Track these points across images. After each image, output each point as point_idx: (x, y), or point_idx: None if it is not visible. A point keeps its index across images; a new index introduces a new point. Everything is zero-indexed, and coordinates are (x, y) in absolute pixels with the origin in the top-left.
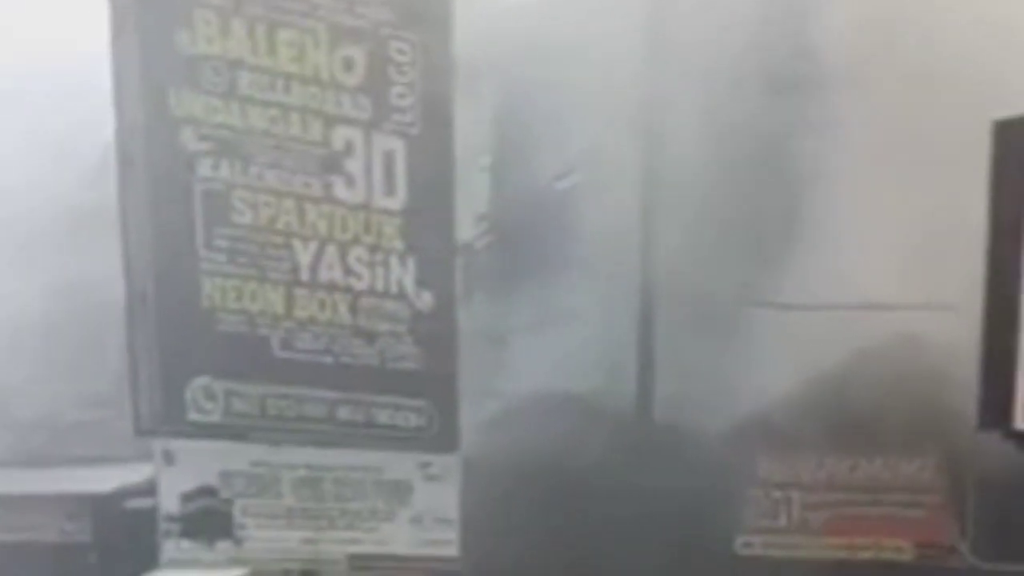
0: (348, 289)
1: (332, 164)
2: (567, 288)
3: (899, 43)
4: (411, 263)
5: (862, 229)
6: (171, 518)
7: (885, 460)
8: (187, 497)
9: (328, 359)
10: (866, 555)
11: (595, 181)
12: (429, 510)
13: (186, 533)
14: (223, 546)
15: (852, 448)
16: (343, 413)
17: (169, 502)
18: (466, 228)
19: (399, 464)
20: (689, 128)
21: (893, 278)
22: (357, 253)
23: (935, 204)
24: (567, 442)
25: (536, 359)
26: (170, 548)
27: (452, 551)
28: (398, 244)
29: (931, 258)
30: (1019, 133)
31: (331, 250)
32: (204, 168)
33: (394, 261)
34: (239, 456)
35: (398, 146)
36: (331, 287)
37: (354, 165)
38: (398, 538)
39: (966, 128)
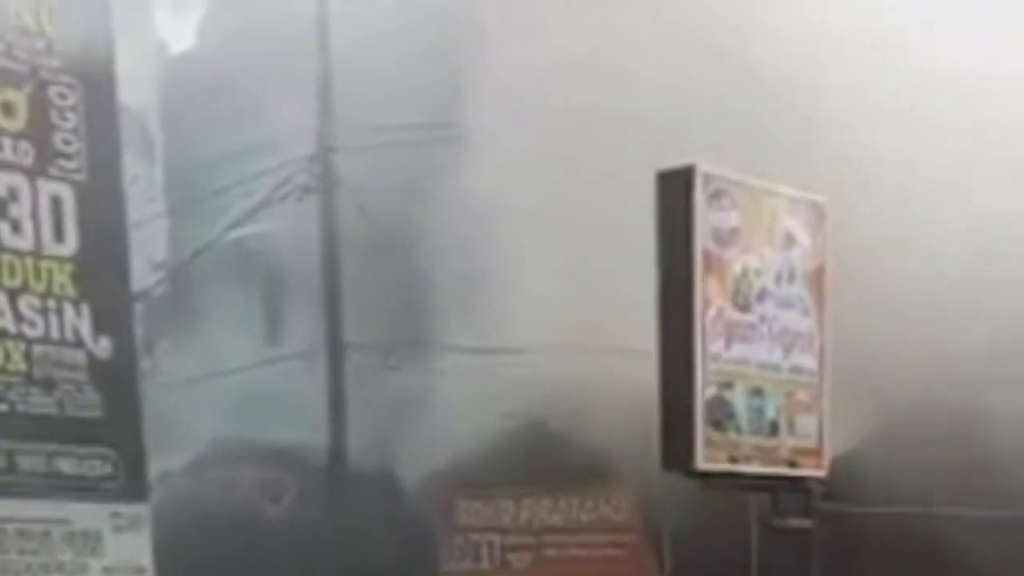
0: (21, 337)
1: None
2: (252, 336)
3: (567, 90)
4: (86, 310)
5: (547, 272)
6: None
7: (582, 501)
8: None
9: (3, 407)
10: None
11: (276, 232)
12: (121, 561)
13: None
14: None
15: (550, 490)
16: (24, 463)
17: None
18: (143, 275)
19: (88, 514)
20: (366, 177)
21: (583, 322)
22: (28, 300)
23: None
24: (260, 491)
25: (225, 408)
26: None
27: None
28: (71, 291)
29: (621, 303)
30: (680, 182)
31: (0, 298)
32: None
33: (68, 308)
34: None
35: (65, 192)
36: (2, 335)
37: (19, 211)
38: None
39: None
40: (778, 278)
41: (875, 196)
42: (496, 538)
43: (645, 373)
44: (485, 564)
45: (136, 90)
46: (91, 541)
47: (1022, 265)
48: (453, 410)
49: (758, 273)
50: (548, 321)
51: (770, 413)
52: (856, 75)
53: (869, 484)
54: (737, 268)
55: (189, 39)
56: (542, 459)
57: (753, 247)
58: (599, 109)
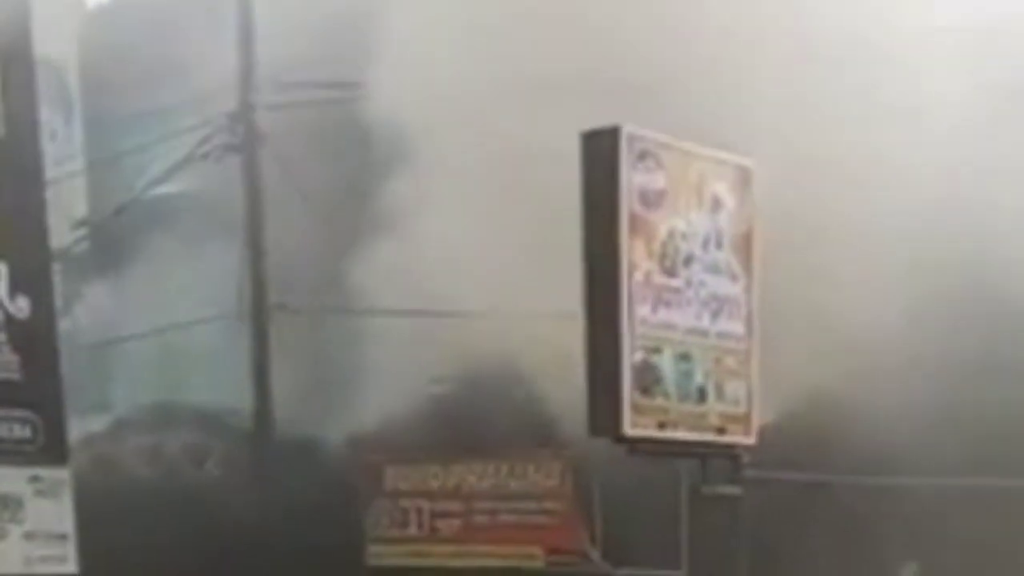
0: None
1: None
2: (175, 297)
3: (491, 50)
4: (2, 269)
5: (473, 234)
6: None
7: (511, 467)
8: None
9: None
10: (498, 562)
11: (197, 191)
12: (42, 526)
13: None
14: None
15: (479, 456)
16: None
17: None
18: (62, 233)
19: (7, 478)
20: (289, 135)
21: (512, 285)
22: None
23: (548, 213)
24: (184, 455)
25: (148, 370)
26: None
27: (69, 568)
28: None
29: (550, 266)
30: (605, 143)
31: None
32: None
33: None
34: None
35: None
36: None
37: None
38: (11, 556)
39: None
40: (705, 242)
41: (804, 159)
42: (424, 504)
43: (575, 337)
44: (413, 530)
45: (54, 44)
46: (11, 506)
47: (955, 227)
48: (381, 374)
49: (685, 237)
50: (477, 284)
51: (698, 379)
52: (787, 37)
53: (798, 451)
54: (664, 231)
55: None
56: (471, 424)
57: (680, 210)
58: (523, 70)
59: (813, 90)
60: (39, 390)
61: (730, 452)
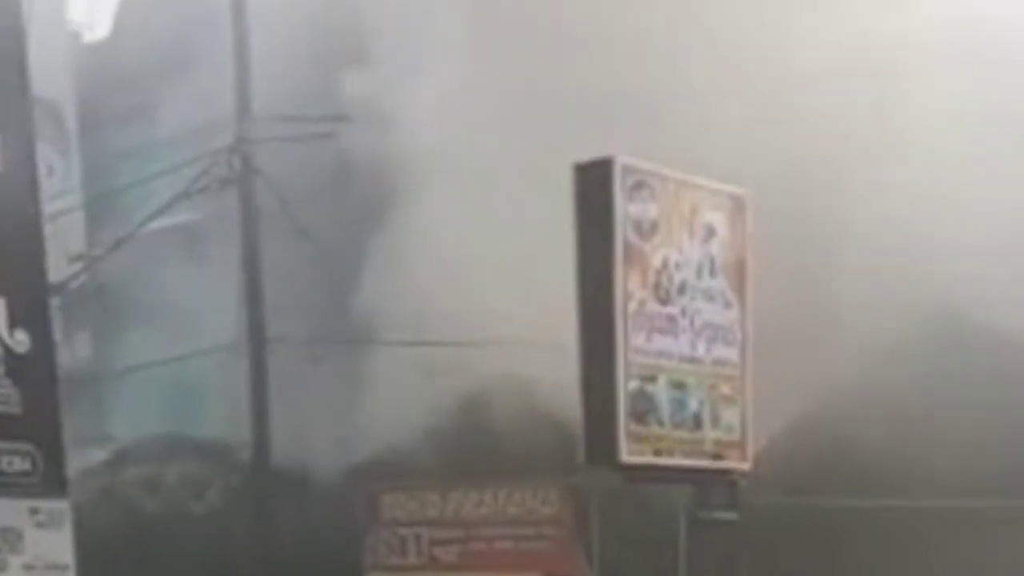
0: None
1: None
2: (173, 329)
3: (485, 84)
4: (1, 304)
5: (470, 265)
6: None
7: (509, 495)
8: None
9: None
10: None
11: (195, 224)
12: (42, 557)
13: None
14: None
15: (476, 484)
16: None
17: None
18: (60, 268)
19: (6, 511)
20: (285, 169)
21: (509, 316)
22: None
23: (529, 242)
24: (183, 486)
25: (147, 404)
26: None
27: None
28: None
29: (547, 297)
30: (598, 174)
31: None
32: None
33: None
34: None
35: None
36: None
37: None
38: None
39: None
40: (699, 271)
41: (796, 188)
42: (423, 532)
43: (566, 367)
44: (412, 558)
45: (50, 81)
46: (11, 538)
47: (945, 257)
48: (378, 404)
49: (679, 266)
50: (475, 315)
51: (693, 406)
52: (779, 70)
53: (796, 475)
54: (658, 260)
55: (104, 28)
56: (469, 453)
57: (674, 239)
58: (517, 102)
59: (808, 118)
60: (38, 423)
61: (726, 478)
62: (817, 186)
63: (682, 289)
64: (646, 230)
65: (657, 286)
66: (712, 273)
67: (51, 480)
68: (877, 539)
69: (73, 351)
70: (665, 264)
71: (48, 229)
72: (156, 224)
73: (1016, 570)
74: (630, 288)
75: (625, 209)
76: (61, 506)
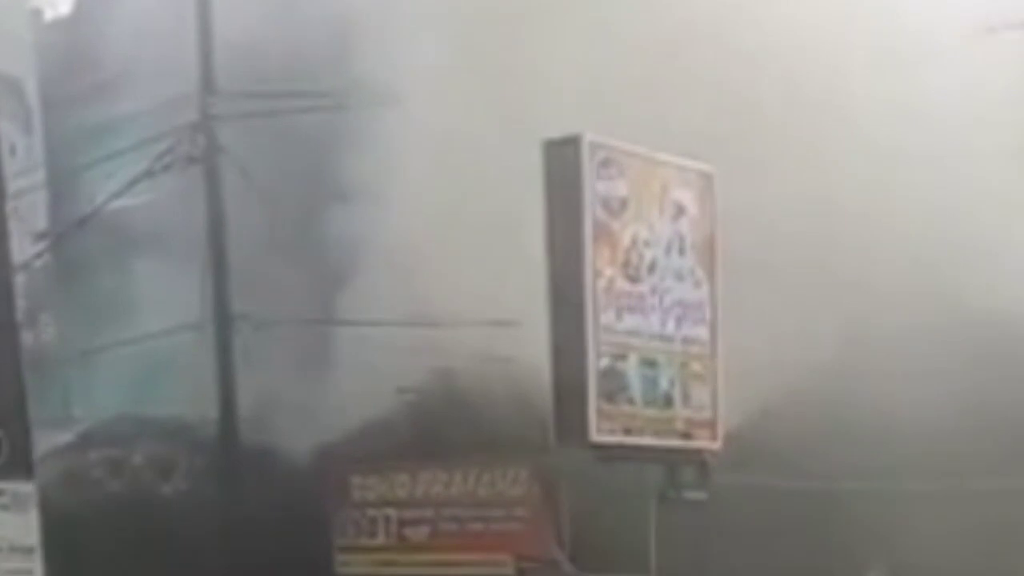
0: None
1: None
2: (138, 308)
3: (455, 61)
4: None
5: (436, 243)
6: None
7: (479, 475)
8: None
9: None
10: (468, 570)
11: (159, 202)
12: (7, 539)
13: None
14: None
15: (445, 464)
16: None
17: None
18: (24, 246)
19: None
20: (249, 146)
21: (478, 294)
22: None
23: (495, 221)
24: (150, 467)
25: (112, 382)
26: None
27: None
28: None
29: (515, 274)
30: (567, 152)
31: None
32: None
33: None
34: None
35: None
36: None
37: None
38: None
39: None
40: (668, 248)
41: (766, 164)
42: (392, 512)
43: (527, 346)
44: (381, 539)
45: (11, 58)
46: None
47: (914, 231)
48: (347, 384)
49: (648, 243)
50: (441, 294)
51: (664, 385)
52: (748, 42)
53: (766, 456)
54: (627, 238)
55: (66, 5)
56: (438, 433)
57: (643, 217)
58: (486, 79)
59: (776, 94)
60: (2, 404)
61: (696, 457)
62: (791, 159)
63: (652, 267)
64: (615, 208)
65: (627, 264)
66: (681, 251)
67: (16, 462)
68: (846, 521)
69: (37, 332)
70: (634, 242)
71: (11, 207)
72: (120, 202)
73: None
74: (599, 266)
75: (594, 186)
76: (27, 488)
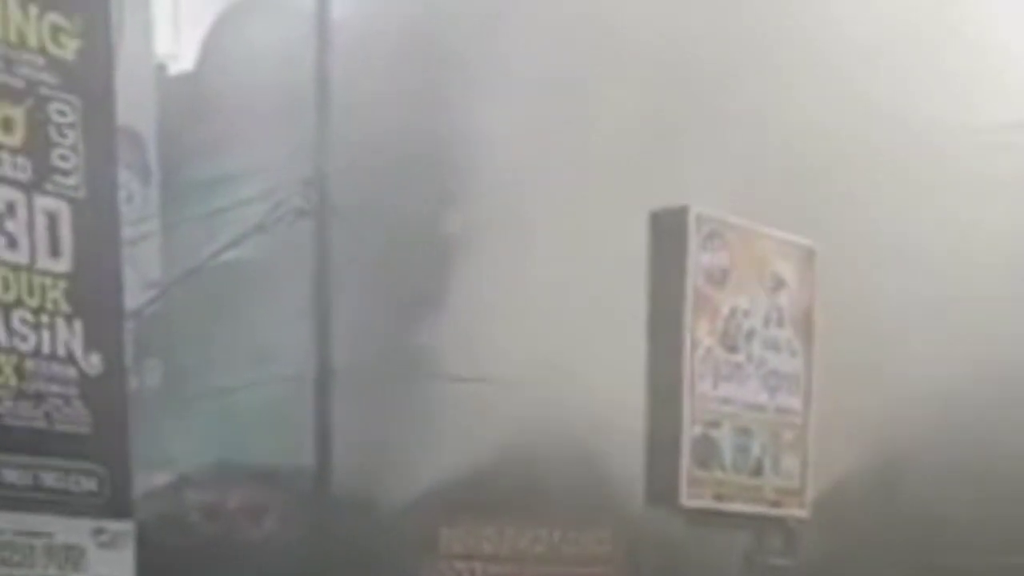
0: (12, 350)
1: None
2: (241, 358)
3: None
4: (78, 326)
5: (540, 305)
6: None
7: (564, 532)
8: None
9: None
10: None
11: (265, 256)
12: None
13: None
14: None
15: (533, 520)
16: (9, 476)
17: None
18: (135, 293)
19: (71, 529)
20: (361, 202)
21: (573, 356)
22: (21, 315)
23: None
24: (244, 512)
25: (212, 428)
26: None
27: None
28: (64, 307)
29: (613, 338)
30: (673, 222)
31: None
32: None
33: (60, 323)
34: None
35: (62, 208)
36: None
37: (15, 226)
38: None
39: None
40: (767, 320)
41: (865, 239)
42: (478, 567)
43: (636, 408)
44: None
45: (134, 109)
46: (74, 556)
47: (1011, 304)
48: (441, 438)
49: (747, 314)
50: (540, 353)
51: (755, 452)
52: (847, 118)
53: (855, 524)
54: (726, 309)
55: (187, 60)
56: (527, 489)
57: (743, 288)
58: (590, 150)
59: (878, 171)
60: (107, 445)
61: (784, 524)
62: (889, 235)
63: (749, 337)
64: (717, 278)
65: (725, 333)
66: (779, 323)
67: (116, 501)
68: None
69: (142, 376)
70: (733, 312)
71: (126, 255)
72: (230, 253)
73: None
74: (698, 335)
75: (698, 258)
76: (125, 527)
